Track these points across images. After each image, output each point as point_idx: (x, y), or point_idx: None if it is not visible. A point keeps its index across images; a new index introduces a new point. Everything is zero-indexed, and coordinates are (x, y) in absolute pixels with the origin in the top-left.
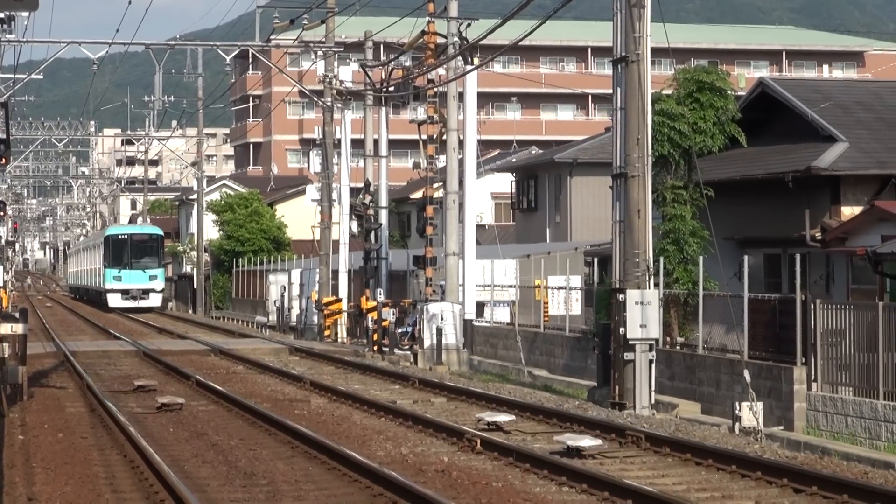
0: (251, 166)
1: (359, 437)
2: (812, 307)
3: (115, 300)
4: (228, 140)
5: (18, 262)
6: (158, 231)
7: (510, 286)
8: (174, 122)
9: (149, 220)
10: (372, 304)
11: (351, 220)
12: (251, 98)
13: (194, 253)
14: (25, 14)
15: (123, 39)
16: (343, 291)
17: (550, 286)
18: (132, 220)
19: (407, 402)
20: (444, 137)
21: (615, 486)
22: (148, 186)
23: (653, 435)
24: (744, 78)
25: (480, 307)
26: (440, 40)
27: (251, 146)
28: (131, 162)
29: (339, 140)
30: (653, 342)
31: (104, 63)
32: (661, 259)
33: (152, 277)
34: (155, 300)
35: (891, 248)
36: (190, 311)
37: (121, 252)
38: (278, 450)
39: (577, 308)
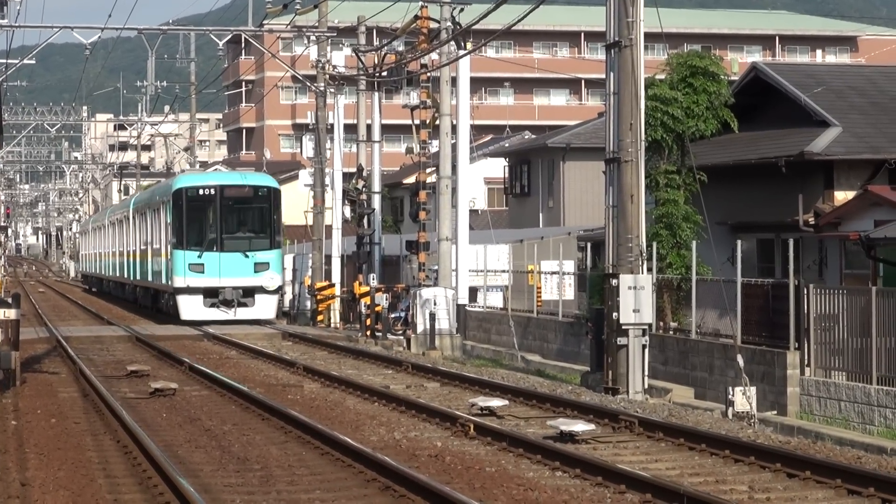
0: (244, 151)
1: (352, 422)
2: (805, 292)
3: (192, 307)
4: (221, 125)
5: (11, 247)
6: (270, 182)
7: (503, 271)
8: (167, 108)
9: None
10: (365, 289)
11: (344, 205)
12: (244, 83)
13: None
14: None
15: (116, 24)
16: (336, 276)
17: (543, 271)
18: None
19: (400, 387)
20: (437, 122)
21: (608, 471)
22: (140, 171)
23: (646, 420)
24: (737, 63)
25: (473, 292)
26: (433, 25)
27: (244, 131)
28: (124, 147)
29: (332, 125)
30: (646, 327)
31: (97, 48)
32: (655, 244)
33: (261, 266)
34: (265, 307)
35: (884, 233)
36: None
37: (204, 220)
38: (271, 435)
39: (570, 293)
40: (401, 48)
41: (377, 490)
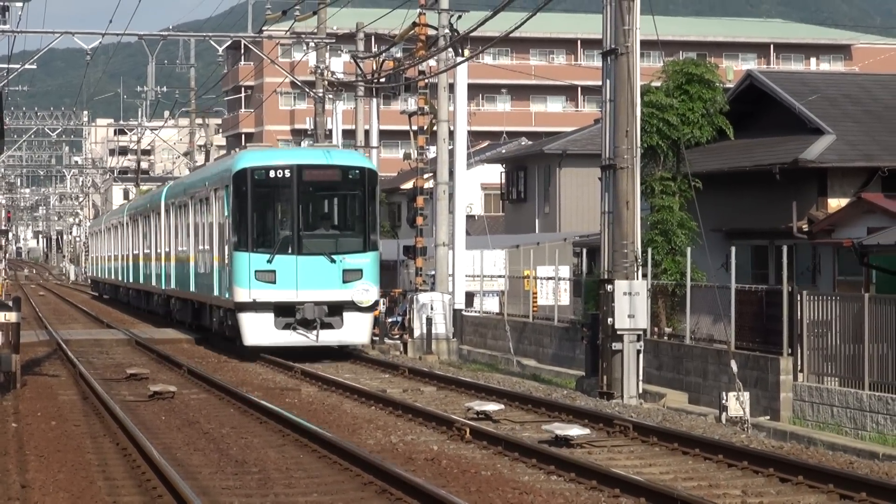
0: None
1: (349, 426)
2: (798, 298)
3: (259, 328)
4: (221, 130)
5: (12, 251)
6: (364, 161)
7: (499, 276)
8: (166, 113)
9: None
10: None
11: None
12: (243, 89)
13: None
14: (19, 4)
15: (117, 30)
16: None
17: (539, 276)
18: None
19: (397, 391)
20: (435, 128)
21: (603, 475)
22: (140, 176)
23: (640, 424)
24: (732, 70)
25: (470, 297)
26: (431, 32)
27: (243, 136)
28: (124, 151)
29: (331, 131)
30: (641, 332)
31: (97, 53)
32: (650, 250)
33: (351, 274)
34: (356, 328)
35: (877, 240)
36: None
37: (276, 212)
38: (269, 438)
39: (565, 298)
40: (399, 55)
41: (374, 493)
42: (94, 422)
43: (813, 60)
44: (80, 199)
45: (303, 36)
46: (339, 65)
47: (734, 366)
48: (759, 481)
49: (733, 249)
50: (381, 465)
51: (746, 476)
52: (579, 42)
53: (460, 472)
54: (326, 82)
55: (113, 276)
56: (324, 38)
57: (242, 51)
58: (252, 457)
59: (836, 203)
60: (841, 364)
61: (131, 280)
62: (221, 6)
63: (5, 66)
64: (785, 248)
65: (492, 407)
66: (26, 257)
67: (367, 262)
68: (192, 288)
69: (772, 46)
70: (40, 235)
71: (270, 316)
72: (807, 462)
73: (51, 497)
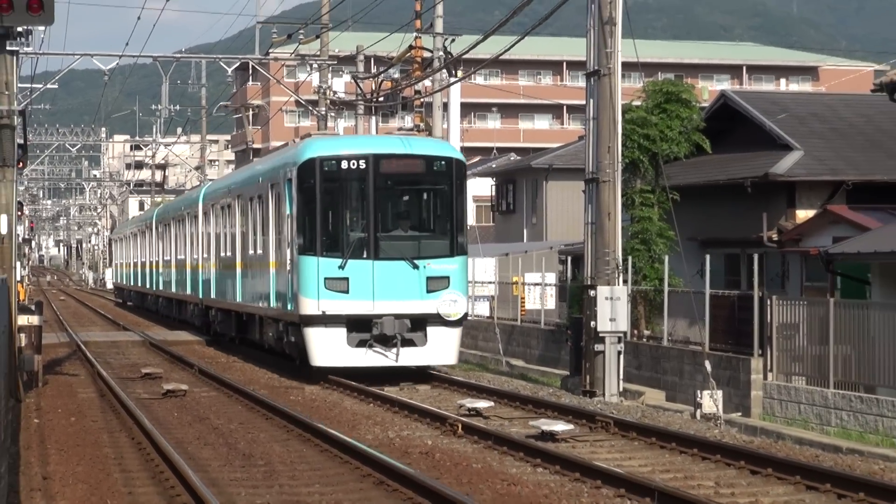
0: None
1: (349, 422)
2: (768, 303)
3: (330, 346)
4: (230, 146)
5: (34, 258)
6: (451, 151)
7: (490, 282)
8: (179, 129)
9: None
10: None
11: None
12: (251, 107)
13: None
14: (42, 28)
15: (133, 52)
16: None
17: (527, 282)
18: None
19: (393, 389)
20: None
21: (585, 468)
22: (155, 189)
23: (621, 420)
24: (707, 90)
25: None
26: (426, 54)
27: (251, 151)
28: (139, 166)
29: None
30: (621, 335)
31: (115, 74)
32: (630, 258)
33: (437, 282)
34: (442, 346)
35: (841, 249)
36: None
37: (348, 209)
38: (275, 433)
39: (551, 303)
40: (396, 75)
41: (372, 484)
42: (111, 418)
43: (783, 81)
44: (99, 210)
45: (307, 58)
46: (340, 85)
47: (708, 366)
48: (731, 473)
49: (708, 257)
50: (378, 459)
51: (720, 468)
52: (565, 64)
53: (453, 465)
54: (329, 101)
55: (140, 284)
56: (326, 59)
57: (250, 72)
58: (258, 451)
59: (803, 214)
60: (807, 364)
61: (161, 288)
62: (231, 30)
63: (29, 85)
64: (756, 256)
65: (482, 404)
66: (48, 264)
67: (454, 267)
68: (239, 298)
69: (744, 68)
70: (61, 244)
71: (342, 331)
72: (776, 455)
73: (70, 488)
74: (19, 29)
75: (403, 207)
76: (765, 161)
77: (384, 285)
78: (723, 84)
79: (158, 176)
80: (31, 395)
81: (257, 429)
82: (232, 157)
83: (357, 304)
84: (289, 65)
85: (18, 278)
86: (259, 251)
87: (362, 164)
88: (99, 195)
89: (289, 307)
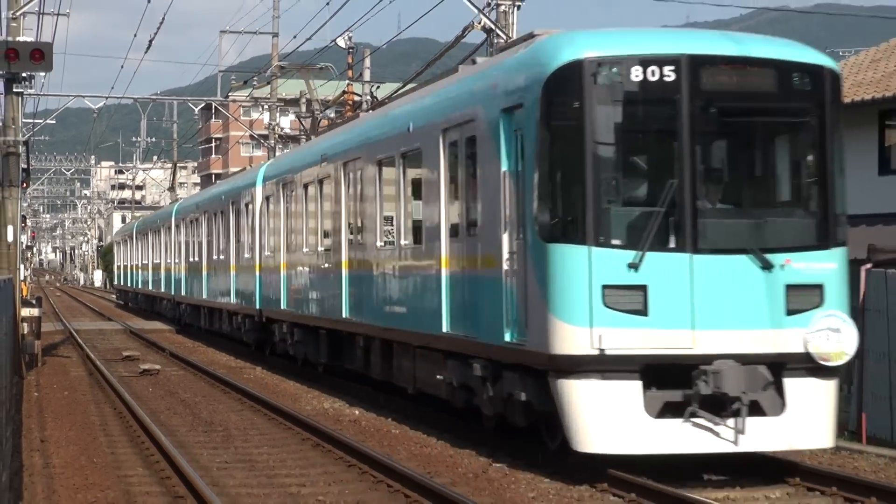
0: None
1: (292, 395)
2: None
3: (612, 417)
4: (196, 171)
5: (35, 262)
6: (819, 56)
7: None
8: (155, 157)
9: None
10: None
11: None
12: (213, 139)
13: None
14: (42, 73)
15: (117, 94)
16: None
17: None
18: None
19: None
20: None
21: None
22: (135, 206)
23: None
24: None
25: None
26: (356, 98)
27: (213, 176)
28: (122, 187)
29: None
30: None
31: (102, 112)
32: None
33: (803, 295)
34: (808, 414)
35: None
36: None
37: (636, 160)
38: (231, 405)
39: None
40: (332, 115)
41: (311, 446)
42: (98, 392)
43: None
44: (88, 223)
45: (259, 100)
46: (286, 122)
47: None
48: None
49: None
50: (315, 425)
51: None
52: None
53: (375, 431)
54: (277, 135)
55: (151, 287)
56: (275, 101)
57: (213, 111)
58: (218, 419)
59: None
60: None
61: (183, 293)
62: (197, 77)
63: (31, 120)
64: None
65: None
66: (46, 267)
67: (832, 268)
68: (203, 295)
69: None
70: (57, 250)
71: (636, 387)
72: None
73: (63, 449)
74: (24, 74)
75: (741, 159)
76: None
77: (712, 300)
78: None
79: (138, 195)
80: (31, 373)
81: (217, 401)
82: (198, 179)
83: (662, 335)
84: (244, 105)
85: (22, 278)
86: (222, 256)
87: (669, 75)
88: (89, 210)
89: (511, 336)
